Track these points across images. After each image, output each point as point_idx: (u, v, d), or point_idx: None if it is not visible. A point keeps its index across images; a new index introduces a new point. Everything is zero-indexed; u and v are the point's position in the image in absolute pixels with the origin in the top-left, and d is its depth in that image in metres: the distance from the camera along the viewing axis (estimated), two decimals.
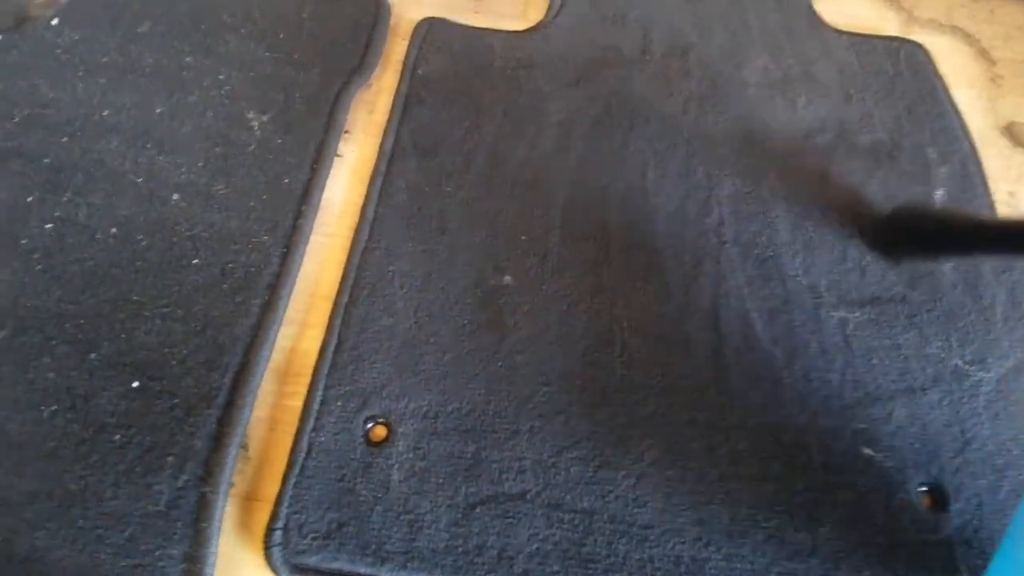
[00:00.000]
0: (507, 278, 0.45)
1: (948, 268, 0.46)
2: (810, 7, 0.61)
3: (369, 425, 0.39)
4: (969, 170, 0.51)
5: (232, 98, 0.51)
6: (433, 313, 0.43)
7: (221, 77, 0.52)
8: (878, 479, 0.39)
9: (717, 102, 0.54)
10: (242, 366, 0.39)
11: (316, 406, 0.40)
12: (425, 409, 0.40)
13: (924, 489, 0.38)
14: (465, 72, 0.55)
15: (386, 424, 0.40)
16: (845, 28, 0.60)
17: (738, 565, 0.36)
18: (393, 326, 0.43)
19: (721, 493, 0.38)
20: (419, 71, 0.54)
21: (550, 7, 0.59)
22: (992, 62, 0.59)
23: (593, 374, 0.41)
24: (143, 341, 0.40)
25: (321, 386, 0.40)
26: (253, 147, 0.48)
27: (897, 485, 0.38)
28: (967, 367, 0.42)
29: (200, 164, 0.47)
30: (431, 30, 0.57)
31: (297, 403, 0.40)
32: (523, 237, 0.46)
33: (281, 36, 0.55)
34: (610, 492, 0.37)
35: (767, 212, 0.48)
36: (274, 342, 0.41)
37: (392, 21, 0.58)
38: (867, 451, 0.39)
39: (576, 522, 0.36)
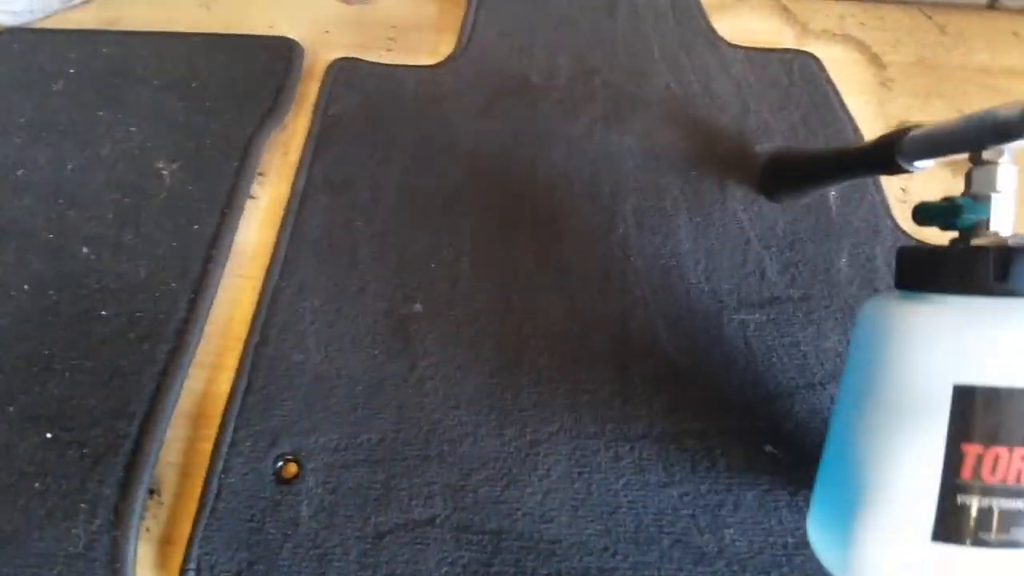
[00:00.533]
0: (417, 306, 0.46)
1: (844, 265, 0.48)
2: (708, 25, 0.64)
3: (279, 463, 0.40)
4: None
5: (143, 149, 0.52)
6: (343, 347, 0.44)
7: (133, 129, 0.53)
8: (782, 476, 0.40)
9: (621, 122, 0.56)
10: (148, 413, 0.39)
11: (225, 448, 0.40)
12: (335, 443, 0.40)
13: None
14: (376, 109, 0.56)
15: (296, 461, 0.40)
16: (742, 43, 0.62)
17: (645, 573, 0.36)
18: (303, 362, 0.43)
19: (627, 502, 0.38)
20: (330, 111, 0.56)
21: (459, 41, 0.61)
22: (883, 67, 0.62)
23: (501, 394, 0.42)
24: (54, 394, 0.41)
25: (230, 427, 0.41)
26: (163, 196, 0.49)
27: (801, 481, 0.39)
28: None
29: (110, 216, 0.48)
30: (342, 70, 0.59)
31: (209, 446, 0.40)
32: (433, 265, 0.47)
33: (194, 85, 0.57)
34: (518, 511, 0.38)
35: (669, 223, 0.50)
36: (181, 387, 0.42)
37: (306, 63, 0.60)
38: (769, 448, 0.40)
39: (485, 543, 0.37)
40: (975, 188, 0.32)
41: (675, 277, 0.47)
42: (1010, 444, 0.27)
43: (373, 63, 0.60)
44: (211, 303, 0.45)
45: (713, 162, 0.54)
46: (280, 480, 0.39)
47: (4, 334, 0.42)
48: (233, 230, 0.48)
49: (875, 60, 0.63)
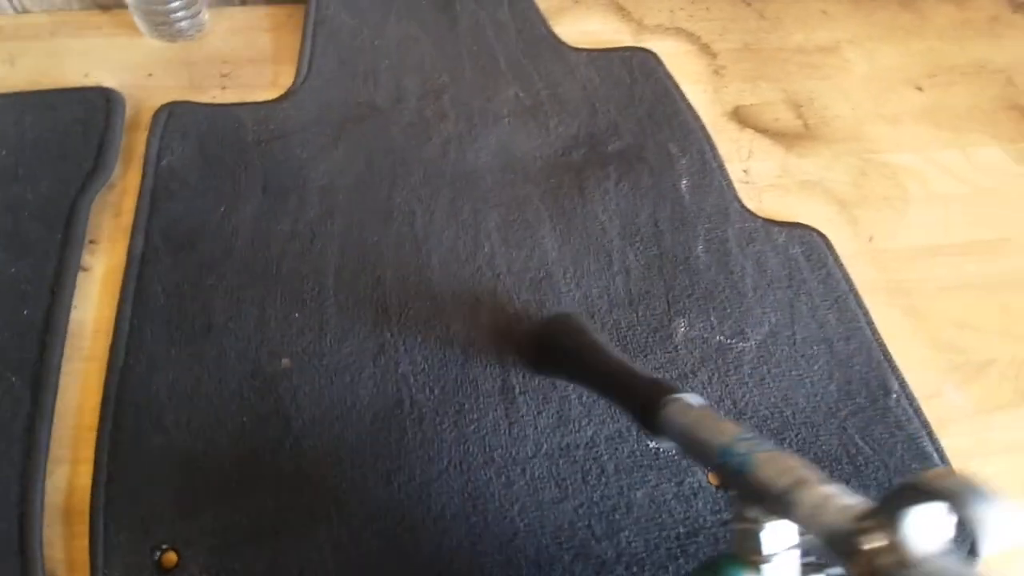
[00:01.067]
0: (284, 361, 0.43)
1: (701, 252, 0.51)
2: (550, 31, 0.65)
3: (157, 554, 0.36)
4: (706, 157, 0.56)
5: None
6: (207, 420, 0.41)
7: None
8: (667, 470, 0.41)
9: (475, 138, 0.56)
10: (22, 516, 0.36)
11: (100, 544, 0.36)
12: (213, 524, 0.37)
13: (710, 468, 0.41)
14: (215, 154, 0.53)
15: (174, 549, 0.37)
16: (584, 45, 0.64)
17: None
18: (166, 443, 0.40)
19: (524, 526, 0.38)
20: (163, 162, 0.52)
21: (298, 72, 0.59)
22: (714, 55, 0.66)
23: (385, 440, 0.41)
24: None
25: (100, 523, 0.37)
26: None
27: (684, 471, 0.41)
28: (728, 341, 0.46)
29: None
30: (172, 115, 0.54)
31: (87, 542, 0.37)
32: (296, 314, 0.45)
33: (2, 153, 0.51)
34: (414, 557, 0.37)
35: (534, 235, 0.50)
36: (43, 487, 0.38)
37: (129, 113, 0.55)
38: (652, 445, 0.42)
39: None
40: (736, 547, 0.25)
41: (546, 288, 0.48)
42: None
43: (206, 104, 0.56)
44: (55, 394, 0.41)
45: (569, 168, 0.55)
46: (161, 571, 0.36)
47: None
48: (67, 309, 0.44)
49: (706, 50, 0.67)
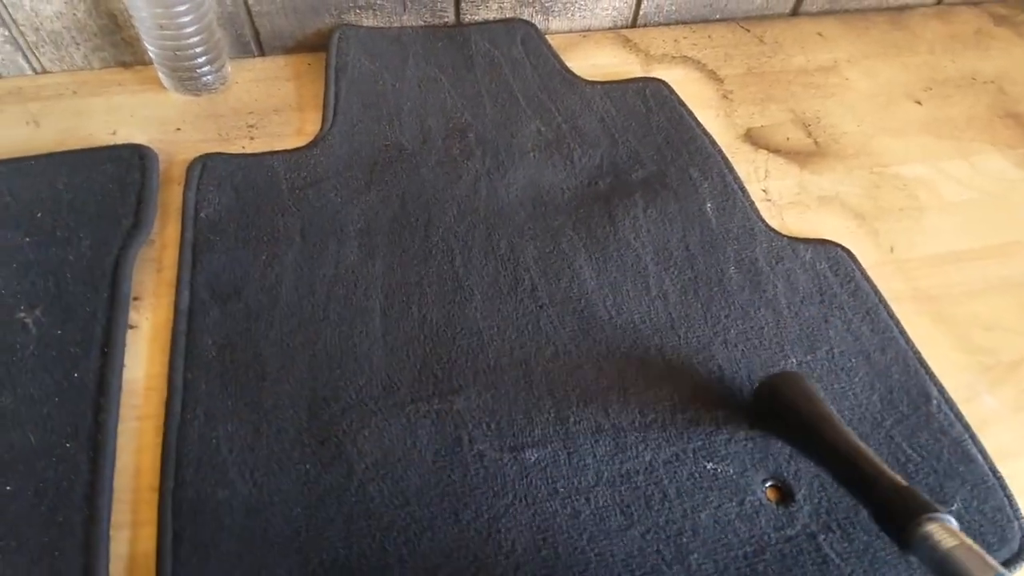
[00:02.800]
0: (338, 407, 0.44)
1: (733, 272, 0.52)
2: (563, 66, 0.67)
3: None
4: (727, 179, 0.58)
5: None
6: (271, 469, 0.41)
7: None
8: (727, 490, 0.42)
9: (504, 174, 0.57)
10: None
11: None
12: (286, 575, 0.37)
13: (769, 485, 0.42)
14: (251, 204, 0.53)
15: None
16: (597, 78, 0.66)
17: None
18: (230, 498, 0.40)
19: (595, 555, 0.39)
20: (202, 214, 0.52)
21: (324, 118, 0.60)
22: (720, 81, 0.69)
23: (449, 479, 0.41)
24: None
25: None
26: (32, 348, 0.44)
27: (744, 489, 0.42)
28: (771, 359, 0.47)
29: None
30: (206, 168, 0.55)
31: None
32: (347, 357, 0.46)
33: (39, 215, 0.51)
34: None
35: (571, 265, 0.51)
36: (108, 556, 0.37)
37: (162, 168, 0.56)
38: (711, 466, 0.43)
39: None
40: None
41: (588, 318, 0.49)
42: None
43: (239, 155, 0.57)
44: (113, 457, 0.41)
45: (597, 197, 0.56)
46: None
47: None
48: (119, 369, 0.44)
49: (712, 76, 0.69)
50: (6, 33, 0.61)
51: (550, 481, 0.41)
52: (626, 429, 0.44)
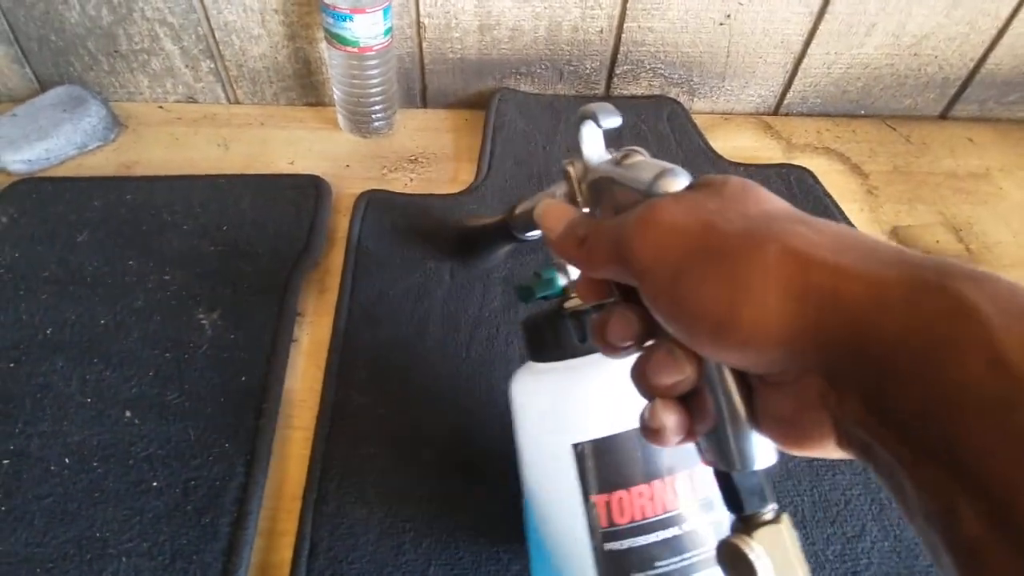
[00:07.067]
0: (469, 448, 0.45)
1: None
2: (707, 144, 0.69)
3: None
4: None
5: (179, 299, 0.51)
6: (406, 495, 0.42)
7: (166, 278, 0.52)
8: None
9: None
10: None
11: None
12: None
13: None
14: (408, 240, 0.57)
15: None
16: (739, 160, 0.67)
17: None
18: (367, 517, 0.42)
19: None
20: (363, 244, 0.57)
21: (478, 170, 0.64)
22: (865, 176, 0.68)
23: None
24: None
25: None
26: (205, 348, 0.48)
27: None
28: None
29: (151, 374, 0.46)
30: (371, 203, 0.60)
31: None
32: (485, 400, 0.47)
33: (224, 228, 0.57)
34: None
35: None
36: (248, 565, 0.39)
37: (332, 198, 0.61)
38: None
39: None
40: (555, 259, 0.35)
41: None
42: (626, 486, 0.30)
43: (400, 193, 0.61)
44: (267, 463, 0.43)
45: None
46: None
47: (48, 516, 0.39)
48: (281, 378, 0.47)
49: (857, 170, 0.69)
50: (212, 66, 0.69)
51: None
52: None
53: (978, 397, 0.14)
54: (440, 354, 0.50)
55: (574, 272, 0.34)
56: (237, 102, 0.73)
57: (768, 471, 0.21)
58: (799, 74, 0.72)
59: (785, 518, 0.21)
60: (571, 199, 0.31)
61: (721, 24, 0.68)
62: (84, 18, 0.65)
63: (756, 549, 0.20)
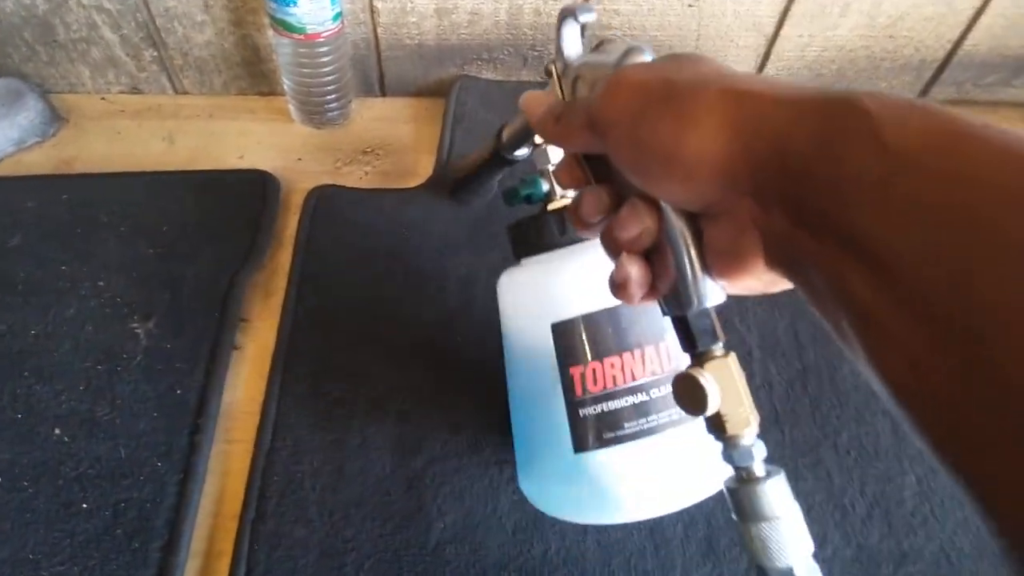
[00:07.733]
0: (422, 458, 0.43)
1: (847, 371, 0.49)
2: None
3: None
4: None
5: (113, 306, 0.48)
6: (349, 513, 0.40)
7: (101, 283, 0.49)
8: None
9: None
10: None
11: None
12: None
13: None
14: (361, 238, 0.55)
15: None
16: None
17: None
18: (307, 537, 0.40)
19: None
20: (313, 244, 0.54)
21: (437, 162, 0.61)
22: None
23: (528, 554, 0.39)
24: None
25: None
26: (139, 358, 0.46)
27: None
28: (886, 471, 0.44)
29: (81, 388, 0.44)
30: (322, 199, 0.57)
31: None
32: (437, 406, 0.45)
33: (164, 229, 0.54)
34: None
35: None
36: None
37: (282, 195, 0.58)
38: None
39: None
40: (539, 166, 0.40)
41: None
42: (599, 357, 0.34)
43: (353, 189, 0.59)
44: (202, 482, 0.41)
45: None
46: None
47: None
48: (220, 391, 0.45)
49: None
50: (155, 54, 0.65)
51: (632, 572, 0.39)
52: (722, 530, 0.41)
53: (866, 179, 0.16)
54: (392, 361, 0.47)
55: (556, 181, 0.39)
56: (184, 92, 0.69)
57: (719, 308, 0.24)
58: (772, 57, 0.69)
59: (732, 355, 0.24)
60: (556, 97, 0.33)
61: (690, 6, 0.65)
62: (18, 6, 0.61)
63: (707, 376, 0.23)
